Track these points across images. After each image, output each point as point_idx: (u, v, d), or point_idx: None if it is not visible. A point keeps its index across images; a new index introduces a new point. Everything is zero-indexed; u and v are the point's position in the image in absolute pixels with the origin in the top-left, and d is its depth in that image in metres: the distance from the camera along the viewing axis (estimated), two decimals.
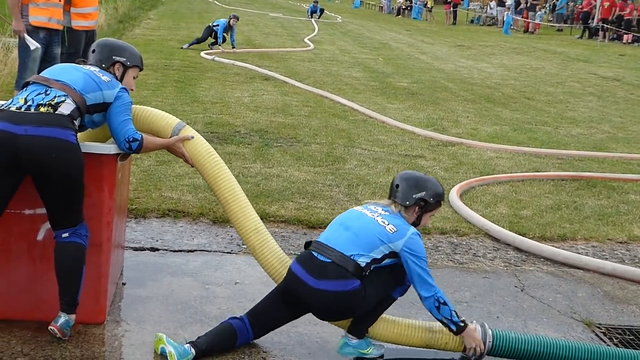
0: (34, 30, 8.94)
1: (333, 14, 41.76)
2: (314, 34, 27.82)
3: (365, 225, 4.26)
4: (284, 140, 9.77)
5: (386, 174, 8.44)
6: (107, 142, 4.56)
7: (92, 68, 4.39)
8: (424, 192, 4.35)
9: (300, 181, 7.87)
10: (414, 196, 4.34)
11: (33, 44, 8.84)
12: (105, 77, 4.35)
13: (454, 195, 7.57)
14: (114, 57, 4.50)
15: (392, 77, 17.71)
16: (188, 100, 12.07)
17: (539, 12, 39.17)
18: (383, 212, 4.33)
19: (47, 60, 9.01)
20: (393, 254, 4.20)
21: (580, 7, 39.11)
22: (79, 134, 4.48)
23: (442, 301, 4.17)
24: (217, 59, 17.81)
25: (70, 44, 9.82)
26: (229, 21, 19.71)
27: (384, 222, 4.24)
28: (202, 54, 18.51)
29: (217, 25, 19.75)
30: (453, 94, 15.64)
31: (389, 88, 15.76)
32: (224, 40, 19.76)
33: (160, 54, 18.01)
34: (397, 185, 4.40)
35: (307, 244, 4.40)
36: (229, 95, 13.03)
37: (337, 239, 4.26)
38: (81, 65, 4.39)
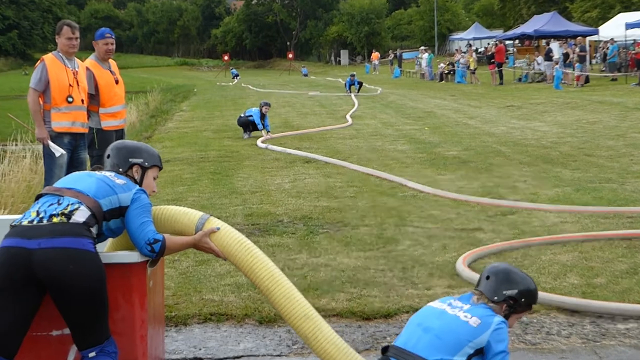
0: (57, 136, 9.01)
1: (372, 86, 42.06)
2: (354, 109, 27.92)
3: (448, 324, 4.05)
4: (330, 226, 9.63)
5: (442, 252, 8.23)
6: (135, 250, 4.46)
7: (107, 173, 4.34)
8: (516, 291, 4.17)
9: (350, 269, 7.70)
10: (504, 292, 4.16)
11: (58, 151, 8.89)
12: (120, 180, 4.29)
13: None
14: (130, 160, 4.45)
15: (440, 146, 17.59)
16: (226, 192, 12.05)
17: (577, 64, 38.77)
18: (466, 306, 4.14)
19: (74, 166, 9.05)
20: (479, 351, 3.98)
21: (633, 53, 38.88)
22: (104, 244, 4.42)
23: None
24: (270, 147, 17.58)
25: (100, 146, 9.82)
26: (261, 109, 19.76)
27: (466, 317, 4.05)
28: (259, 142, 18.37)
29: (251, 115, 19.83)
30: (507, 158, 15.43)
31: (438, 158, 15.62)
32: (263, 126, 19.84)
33: (195, 147, 18.18)
34: (488, 277, 4.24)
35: (385, 349, 4.20)
36: (268, 182, 13.01)
37: (416, 343, 4.05)
38: (95, 172, 4.35)
